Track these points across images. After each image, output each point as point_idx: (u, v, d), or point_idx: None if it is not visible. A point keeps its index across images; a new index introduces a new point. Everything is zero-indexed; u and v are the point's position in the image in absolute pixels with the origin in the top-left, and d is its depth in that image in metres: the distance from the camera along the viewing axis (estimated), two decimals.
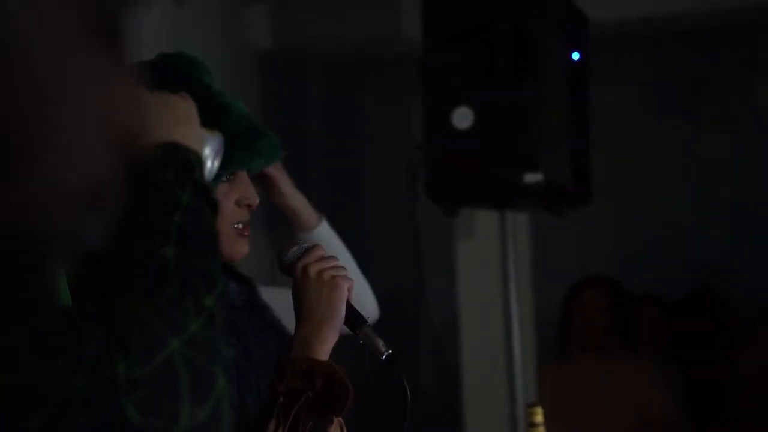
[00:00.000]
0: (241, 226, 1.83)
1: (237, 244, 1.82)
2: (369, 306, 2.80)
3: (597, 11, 4.12)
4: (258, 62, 4.86)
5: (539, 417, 2.58)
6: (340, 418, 1.80)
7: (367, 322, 1.84)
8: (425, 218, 4.51)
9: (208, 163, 1.44)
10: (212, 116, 1.75)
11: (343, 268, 1.86)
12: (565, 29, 3.66)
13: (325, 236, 2.55)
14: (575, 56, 3.65)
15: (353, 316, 1.84)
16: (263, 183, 2.20)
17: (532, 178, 3.55)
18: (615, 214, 5.15)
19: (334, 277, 1.82)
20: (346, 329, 1.85)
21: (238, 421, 1.69)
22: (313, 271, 1.82)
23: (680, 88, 5.26)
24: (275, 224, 2.57)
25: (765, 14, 4.71)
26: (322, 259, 1.85)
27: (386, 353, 1.81)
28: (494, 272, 4.23)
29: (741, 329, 4.71)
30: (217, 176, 1.74)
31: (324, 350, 1.78)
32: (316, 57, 5.22)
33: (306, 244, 1.88)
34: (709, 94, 5.23)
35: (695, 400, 4.59)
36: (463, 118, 3.60)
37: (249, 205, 1.83)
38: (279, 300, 2.09)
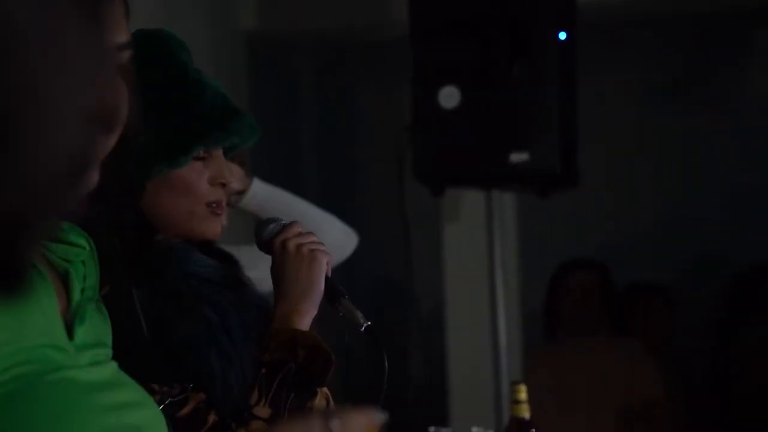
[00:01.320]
0: (214, 205, 1.82)
1: (209, 223, 1.81)
2: (338, 236, 2.84)
3: None
4: (246, 45, 4.85)
5: (523, 394, 2.59)
6: (326, 390, 1.81)
7: (346, 295, 1.85)
8: (412, 201, 4.52)
9: None
10: (187, 93, 1.76)
11: (321, 243, 1.87)
12: (554, 9, 3.66)
13: (260, 189, 2.61)
14: (562, 36, 3.66)
15: (332, 290, 1.85)
16: None
17: (518, 158, 3.56)
18: (602, 197, 5.16)
19: (312, 250, 1.83)
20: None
21: (222, 397, 1.70)
22: (291, 245, 1.83)
23: (675, 72, 5.26)
24: None
25: (758, 2, 4.72)
26: (301, 234, 1.86)
27: (365, 325, 1.83)
28: (480, 254, 4.24)
29: (734, 314, 4.73)
30: (189, 153, 1.76)
31: (304, 324, 1.80)
32: (304, 39, 5.21)
33: (283, 221, 1.90)
34: (704, 78, 5.23)
35: (686, 383, 4.61)
36: (449, 97, 3.60)
37: (223, 184, 1.82)
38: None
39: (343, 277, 5.42)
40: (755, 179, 5.09)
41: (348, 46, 5.35)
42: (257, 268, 2.03)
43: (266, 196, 2.69)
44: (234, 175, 2.30)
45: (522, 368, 4.37)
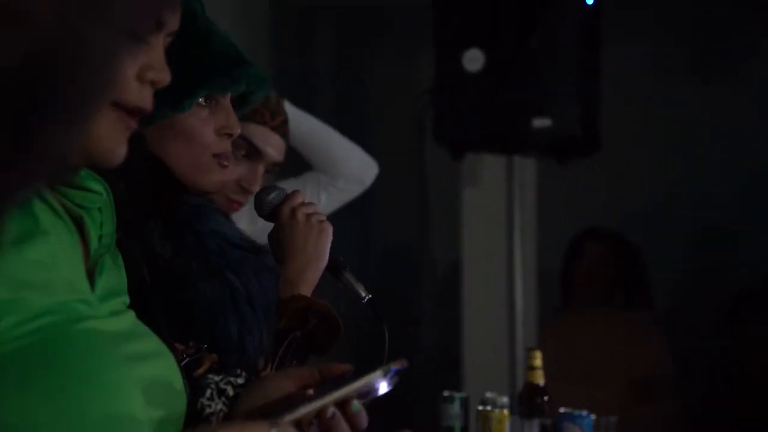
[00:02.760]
0: (220, 156, 1.77)
1: (213, 175, 1.76)
2: (360, 163, 2.88)
3: None
4: (270, 7, 4.84)
5: (538, 360, 2.60)
6: None
7: (347, 267, 1.86)
8: (432, 164, 4.51)
9: None
10: (194, 39, 1.75)
11: (324, 214, 1.89)
12: None
13: (290, 112, 2.61)
14: (589, 1, 3.63)
15: (335, 261, 1.86)
16: None
17: (540, 123, 3.55)
18: (623, 166, 5.15)
19: (321, 221, 1.84)
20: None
21: (237, 362, 1.71)
22: (301, 214, 1.85)
23: (696, 43, 5.23)
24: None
25: None
26: (306, 203, 1.87)
27: (367, 297, 1.84)
28: (499, 219, 4.23)
29: (745, 292, 4.72)
30: (193, 97, 1.72)
31: (308, 293, 1.82)
32: (327, 4, 5.19)
33: (284, 189, 1.90)
34: (724, 50, 5.20)
35: (696, 357, 4.61)
36: (473, 60, 3.59)
37: (230, 135, 1.78)
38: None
39: (359, 238, 5.41)
40: None
41: (368, 9, 5.32)
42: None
43: (294, 119, 2.71)
44: (274, 146, 2.29)
45: (537, 334, 4.38)
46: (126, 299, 1.28)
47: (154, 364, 1.20)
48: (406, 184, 4.89)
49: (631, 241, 4.47)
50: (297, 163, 2.89)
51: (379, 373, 1.09)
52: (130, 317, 1.25)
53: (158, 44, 1.30)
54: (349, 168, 2.88)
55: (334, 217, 2.96)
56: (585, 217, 4.77)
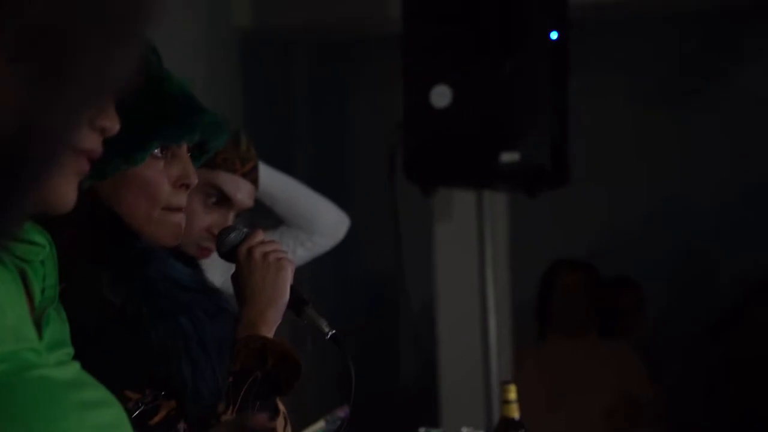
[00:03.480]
0: (177, 208, 1.75)
1: (170, 227, 1.74)
2: (332, 218, 2.91)
3: None
4: (240, 42, 4.85)
5: (512, 394, 2.60)
6: (284, 410, 1.81)
7: (310, 303, 1.86)
8: (404, 199, 4.51)
9: None
10: (147, 90, 1.72)
11: (285, 251, 1.87)
12: (546, 9, 3.66)
13: (267, 173, 2.62)
14: (553, 36, 3.65)
15: (297, 299, 1.85)
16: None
17: (509, 157, 3.55)
18: (593, 197, 5.16)
19: (279, 259, 1.83)
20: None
21: (192, 406, 1.69)
22: (258, 253, 1.83)
23: (664, 72, 5.26)
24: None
25: (754, 1, 4.72)
26: (265, 242, 1.85)
27: (330, 333, 1.83)
28: (471, 253, 4.24)
29: (724, 315, 4.73)
30: (147, 149, 1.70)
31: (270, 332, 1.80)
32: (298, 36, 5.21)
33: (245, 229, 1.89)
34: (692, 78, 5.24)
35: (671, 383, 4.61)
36: (441, 96, 3.60)
37: (187, 185, 1.75)
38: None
39: (335, 274, 5.41)
40: (743, 179, 5.10)
41: (341, 44, 5.35)
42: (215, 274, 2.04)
43: (268, 178, 2.72)
44: (245, 192, 2.29)
45: (512, 368, 4.37)
46: (70, 350, 1.27)
47: (104, 412, 1.20)
48: (380, 217, 4.89)
49: (604, 270, 4.48)
50: (270, 213, 2.90)
51: (321, 423, 1.09)
52: (76, 367, 1.25)
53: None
54: (323, 225, 2.91)
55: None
56: (558, 248, 4.78)
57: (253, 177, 2.34)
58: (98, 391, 1.23)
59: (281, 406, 1.80)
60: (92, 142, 1.25)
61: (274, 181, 2.82)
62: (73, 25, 0.69)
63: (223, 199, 2.28)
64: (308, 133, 5.41)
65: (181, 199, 1.75)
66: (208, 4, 4.63)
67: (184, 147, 1.77)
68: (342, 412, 1.08)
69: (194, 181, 1.76)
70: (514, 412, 2.55)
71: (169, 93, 1.75)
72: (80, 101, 0.73)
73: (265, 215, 2.83)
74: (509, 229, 4.43)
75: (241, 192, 2.30)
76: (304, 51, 5.37)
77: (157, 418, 1.65)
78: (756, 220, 4.92)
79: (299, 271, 2.02)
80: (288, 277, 1.83)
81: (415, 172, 3.76)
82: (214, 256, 2.05)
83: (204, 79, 4.44)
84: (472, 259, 4.22)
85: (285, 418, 1.81)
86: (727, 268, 5.07)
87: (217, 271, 2.28)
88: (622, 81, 5.25)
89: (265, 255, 1.83)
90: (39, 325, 1.21)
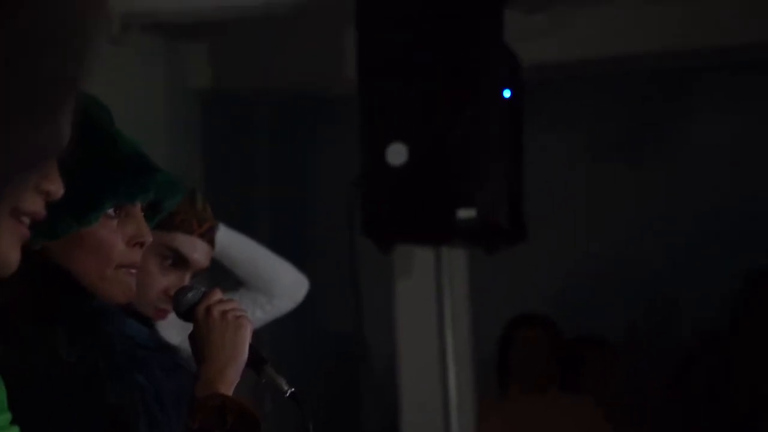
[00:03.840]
0: (130, 267, 1.75)
1: (124, 286, 1.74)
2: (291, 280, 2.91)
3: (536, 53, 4.20)
4: (199, 102, 4.88)
5: None
6: None
7: (269, 362, 1.86)
8: (365, 256, 4.53)
9: None
10: (99, 151, 1.73)
11: (243, 309, 1.88)
12: (499, 68, 3.72)
13: (226, 236, 2.63)
14: (506, 94, 3.71)
15: (255, 357, 1.86)
16: None
17: (465, 213, 3.59)
18: (553, 252, 5.21)
19: (238, 317, 1.84)
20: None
21: None
22: (216, 312, 1.83)
23: (617, 127, 5.35)
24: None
25: (702, 58, 4.83)
26: (223, 300, 1.86)
27: (289, 391, 1.83)
28: (431, 310, 4.25)
29: (683, 363, 4.77)
30: (99, 209, 1.71)
31: (228, 391, 1.80)
32: (257, 97, 5.24)
33: (203, 288, 1.90)
34: (645, 132, 5.33)
35: None
36: (397, 154, 3.64)
37: (141, 244, 1.76)
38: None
39: (295, 335, 5.40)
40: (698, 228, 5.17)
41: (300, 104, 5.38)
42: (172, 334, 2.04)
43: (225, 239, 2.72)
44: (202, 253, 2.30)
45: (474, 422, 4.38)
46: (8, 416, 1.27)
47: None
48: (341, 274, 4.90)
49: (563, 324, 4.51)
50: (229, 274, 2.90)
51: None
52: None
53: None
54: (282, 287, 2.91)
55: None
56: (518, 303, 4.81)
57: (209, 237, 2.34)
58: None
59: None
60: (35, 205, 1.26)
61: (233, 243, 2.82)
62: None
63: (180, 261, 2.28)
64: (267, 193, 5.43)
65: (135, 256, 1.76)
66: (166, 65, 4.66)
67: (138, 206, 1.77)
68: None
69: (148, 239, 1.77)
70: None
71: (122, 152, 1.76)
72: (12, 170, 0.74)
73: (224, 276, 2.83)
74: (469, 285, 4.46)
75: (198, 252, 2.30)
76: (263, 112, 5.41)
77: None
78: (713, 267, 4.98)
79: (259, 332, 2.03)
80: (247, 336, 1.83)
81: (373, 230, 3.78)
82: (171, 316, 2.05)
83: (163, 139, 4.46)
84: (432, 314, 4.24)
85: None
86: (687, 317, 5.11)
87: (173, 331, 2.27)
88: (579, 136, 5.32)
89: (224, 314, 1.84)
90: None
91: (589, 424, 4.30)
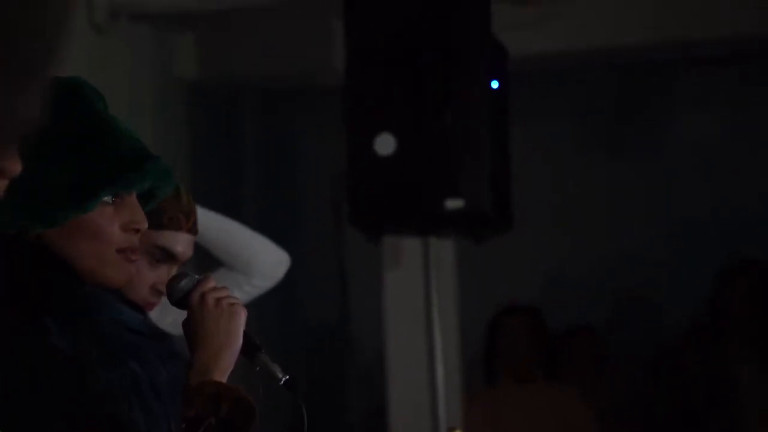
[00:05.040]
0: (128, 251, 1.78)
1: (119, 270, 1.77)
2: (272, 257, 2.87)
3: (523, 45, 4.21)
4: (186, 93, 4.87)
5: None
6: None
7: (263, 349, 1.86)
8: (352, 247, 4.53)
9: None
10: (95, 138, 1.75)
11: (237, 297, 1.89)
12: (486, 59, 3.73)
13: (202, 216, 2.60)
14: (494, 85, 3.72)
15: (250, 344, 1.85)
16: None
17: (453, 204, 3.59)
18: (540, 242, 5.22)
19: (232, 304, 1.84)
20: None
21: None
22: (210, 299, 1.84)
23: (603, 121, 5.37)
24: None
25: (682, 50, 4.85)
26: (216, 288, 1.87)
27: (284, 378, 1.83)
28: (419, 300, 4.26)
29: (663, 355, 4.79)
30: (96, 197, 1.73)
31: (223, 378, 1.80)
32: (244, 87, 5.24)
33: (197, 276, 1.90)
34: (629, 125, 5.35)
35: (621, 427, 4.64)
36: (385, 144, 3.64)
37: (137, 230, 1.78)
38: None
39: (282, 323, 5.40)
40: (680, 222, 5.20)
41: (287, 93, 5.38)
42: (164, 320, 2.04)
43: (204, 220, 2.70)
44: (188, 245, 2.30)
45: (461, 413, 4.39)
46: None
47: None
48: (327, 265, 4.89)
49: (550, 314, 4.52)
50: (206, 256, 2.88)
51: None
52: None
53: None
54: (263, 265, 2.87)
55: (257, 299, 2.96)
56: (506, 293, 4.82)
57: (195, 230, 2.35)
58: None
59: None
60: (130, 241, 1.22)
61: (210, 223, 2.78)
62: None
63: (168, 256, 2.28)
64: (254, 182, 5.42)
65: (132, 239, 1.77)
66: (153, 55, 4.65)
67: (134, 193, 1.79)
68: None
69: (144, 225, 1.78)
70: None
71: (120, 140, 1.77)
72: None
73: (201, 257, 2.80)
74: (457, 275, 4.47)
75: (184, 246, 2.29)
76: (250, 102, 5.40)
77: None
78: (695, 260, 5.00)
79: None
80: (241, 323, 1.83)
81: (360, 220, 3.78)
82: (164, 303, 2.05)
83: (149, 128, 4.45)
84: (419, 305, 4.24)
85: None
86: (669, 311, 5.14)
87: (168, 319, 2.27)
88: (564, 128, 5.34)
89: (218, 301, 1.84)
90: None
91: (573, 413, 4.31)
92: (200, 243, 2.76)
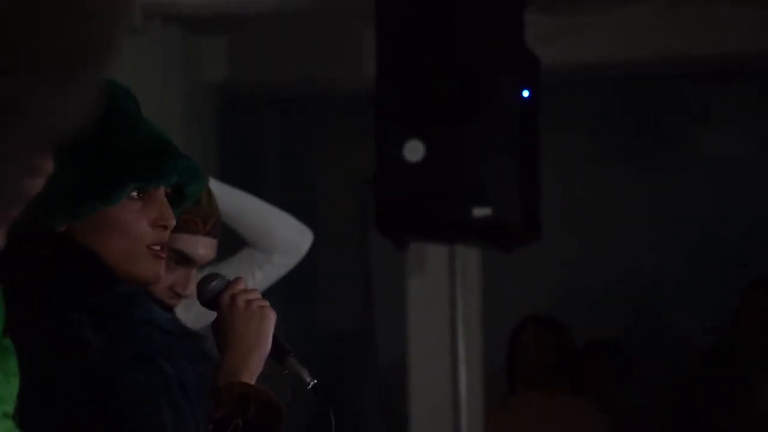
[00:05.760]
0: (157, 247, 1.78)
1: (150, 265, 1.77)
2: (294, 233, 2.81)
3: (552, 55, 4.20)
4: (215, 97, 4.89)
5: None
6: None
7: (292, 353, 1.86)
8: (377, 254, 4.53)
9: None
10: (124, 134, 1.74)
11: (266, 300, 1.89)
12: (517, 68, 3.72)
13: (216, 188, 2.57)
14: (525, 94, 3.71)
15: (279, 348, 1.85)
16: None
17: (480, 212, 3.58)
18: (565, 252, 5.21)
19: (262, 307, 1.84)
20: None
21: None
22: (241, 301, 1.83)
23: (631, 132, 5.36)
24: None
25: (715, 67, 4.83)
26: (247, 290, 1.87)
27: (312, 383, 1.83)
28: (443, 308, 4.25)
29: (689, 370, 4.77)
30: (122, 190, 1.73)
31: (251, 380, 1.79)
32: (271, 93, 5.25)
33: (228, 277, 1.90)
34: (657, 138, 5.34)
35: None
36: (414, 151, 3.63)
37: (165, 226, 1.78)
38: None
39: (306, 329, 5.40)
40: (705, 234, 5.19)
41: (314, 99, 5.39)
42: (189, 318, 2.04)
43: (223, 195, 2.67)
44: (207, 248, 2.29)
45: (483, 423, 4.38)
46: (7, 408, 1.23)
47: None
48: (352, 271, 4.89)
49: (574, 325, 4.51)
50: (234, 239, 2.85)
51: None
52: (7, 426, 1.22)
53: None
54: (283, 240, 2.82)
55: (280, 305, 2.94)
56: (530, 303, 4.81)
57: (215, 232, 2.33)
58: None
59: None
60: (159, 237, 1.20)
61: (229, 199, 2.75)
62: (21, 70, 0.71)
63: (185, 259, 2.27)
64: (279, 188, 5.43)
65: (161, 236, 1.78)
66: (184, 57, 4.67)
67: (161, 190, 1.79)
68: None
69: (172, 222, 1.79)
70: None
71: (144, 136, 1.78)
72: (27, 146, 0.74)
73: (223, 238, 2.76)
74: (482, 285, 4.46)
75: (202, 249, 2.28)
76: (277, 108, 5.41)
77: None
78: (720, 273, 4.98)
79: None
80: (271, 326, 1.82)
81: (387, 227, 3.78)
82: (187, 303, 2.05)
83: (178, 130, 4.47)
84: (444, 314, 4.23)
85: None
86: (689, 326, 5.12)
87: (190, 317, 2.26)
88: (587, 139, 5.33)
89: (249, 303, 1.83)
90: None
91: (593, 426, 4.30)
92: (222, 219, 2.73)
